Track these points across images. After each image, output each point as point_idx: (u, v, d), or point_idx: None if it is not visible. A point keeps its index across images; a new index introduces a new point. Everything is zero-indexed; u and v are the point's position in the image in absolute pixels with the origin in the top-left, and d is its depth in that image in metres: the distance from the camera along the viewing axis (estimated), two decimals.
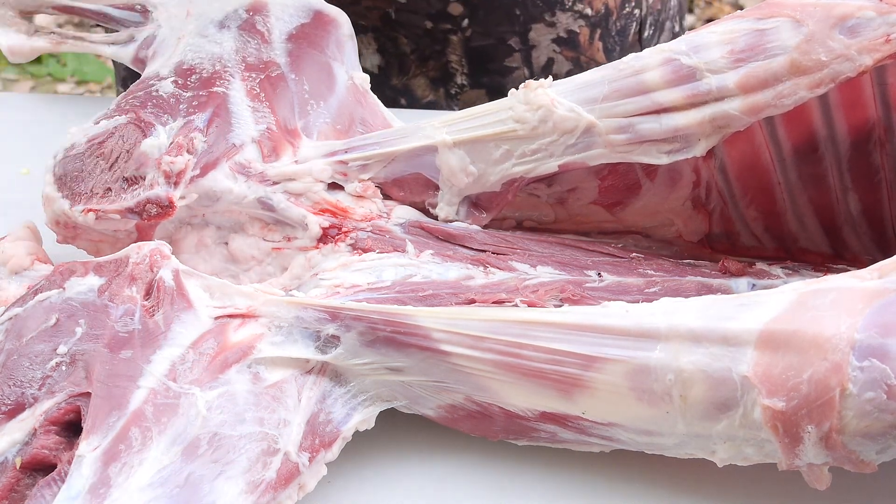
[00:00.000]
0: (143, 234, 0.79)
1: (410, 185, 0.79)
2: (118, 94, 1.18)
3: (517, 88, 0.77)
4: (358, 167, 0.79)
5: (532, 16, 0.96)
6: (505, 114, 0.77)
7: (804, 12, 0.71)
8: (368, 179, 0.79)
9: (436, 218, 0.80)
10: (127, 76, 1.16)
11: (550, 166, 0.76)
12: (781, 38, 0.71)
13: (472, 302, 0.71)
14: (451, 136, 0.77)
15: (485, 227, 0.80)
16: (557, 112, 0.75)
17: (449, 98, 1.06)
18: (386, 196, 0.80)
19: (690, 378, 0.62)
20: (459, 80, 1.03)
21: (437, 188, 0.79)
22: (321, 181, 0.79)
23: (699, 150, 0.72)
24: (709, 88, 0.71)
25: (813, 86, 0.70)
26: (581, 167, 0.76)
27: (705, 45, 0.72)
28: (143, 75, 0.84)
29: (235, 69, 0.81)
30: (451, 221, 0.79)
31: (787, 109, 0.71)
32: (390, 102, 1.03)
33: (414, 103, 1.06)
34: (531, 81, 0.77)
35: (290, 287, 0.77)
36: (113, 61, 1.05)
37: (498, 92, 1.05)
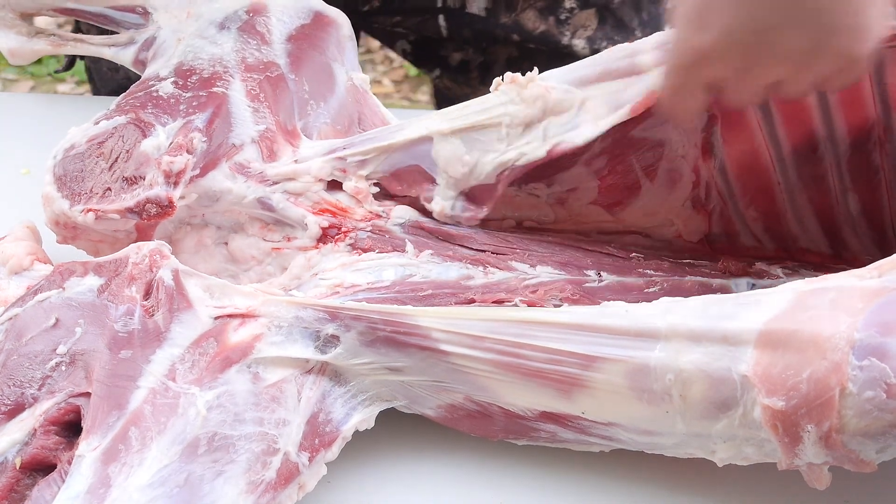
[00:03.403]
0: (142, 234, 0.79)
1: (408, 178, 0.79)
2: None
3: (502, 78, 0.77)
4: (356, 163, 0.79)
5: None
6: (500, 109, 0.77)
7: None
8: (368, 175, 0.79)
9: (432, 215, 0.80)
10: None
11: (540, 152, 0.76)
12: None
13: (471, 302, 0.71)
14: (447, 124, 0.78)
15: (484, 227, 0.80)
16: (552, 97, 0.75)
17: (560, 24, 1.06)
18: (385, 195, 0.80)
19: (690, 377, 0.62)
20: (568, 3, 1.03)
21: (433, 181, 0.79)
22: (321, 179, 0.79)
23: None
24: None
25: None
26: (569, 150, 0.76)
27: None
28: (144, 76, 0.84)
29: (235, 70, 0.81)
30: (446, 222, 0.80)
31: None
32: (502, 41, 1.04)
33: (526, 37, 1.06)
34: (518, 76, 0.77)
35: (289, 287, 0.77)
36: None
37: (607, 8, 1.06)
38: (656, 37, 0.74)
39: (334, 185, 0.80)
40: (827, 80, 0.67)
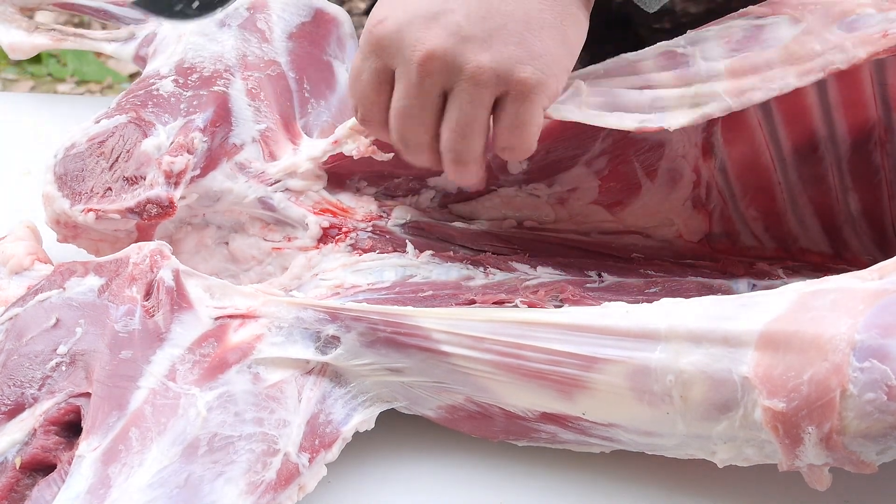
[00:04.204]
0: (143, 234, 0.79)
1: None
2: None
3: None
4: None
5: None
6: None
7: (804, 10, 0.71)
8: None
9: (432, 215, 0.80)
10: None
11: None
12: (778, 32, 0.71)
13: (472, 302, 0.71)
14: None
15: (485, 227, 0.80)
16: None
17: None
18: (386, 194, 0.80)
19: (691, 379, 0.61)
20: None
21: None
22: (319, 163, 0.78)
23: (671, 121, 0.71)
24: (698, 70, 0.71)
25: (802, 73, 0.70)
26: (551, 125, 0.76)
27: (703, 38, 0.73)
28: (144, 73, 0.84)
29: (236, 68, 0.81)
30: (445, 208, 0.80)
31: (772, 94, 0.70)
32: None
33: None
34: None
35: (290, 287, 0.76)
36: None
37: None
38: (659, 46, 0.74)
39: (335, 185, 0.80)
40: (502, 105, 0.67)
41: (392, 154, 0.77)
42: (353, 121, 0.77)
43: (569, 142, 0.78)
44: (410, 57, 0.66)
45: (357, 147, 0.77)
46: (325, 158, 0.78)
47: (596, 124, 0.72)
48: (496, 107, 0.67)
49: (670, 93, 0.71)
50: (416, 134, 0.69)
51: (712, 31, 0.73)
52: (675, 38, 0.73)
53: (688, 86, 0.71)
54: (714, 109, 0.71)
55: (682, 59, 0.72)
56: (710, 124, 0.78)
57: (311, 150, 0.79)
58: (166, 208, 0.76)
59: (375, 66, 0.68)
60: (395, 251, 0.77)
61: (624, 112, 0.71)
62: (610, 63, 0.74)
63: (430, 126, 0.68)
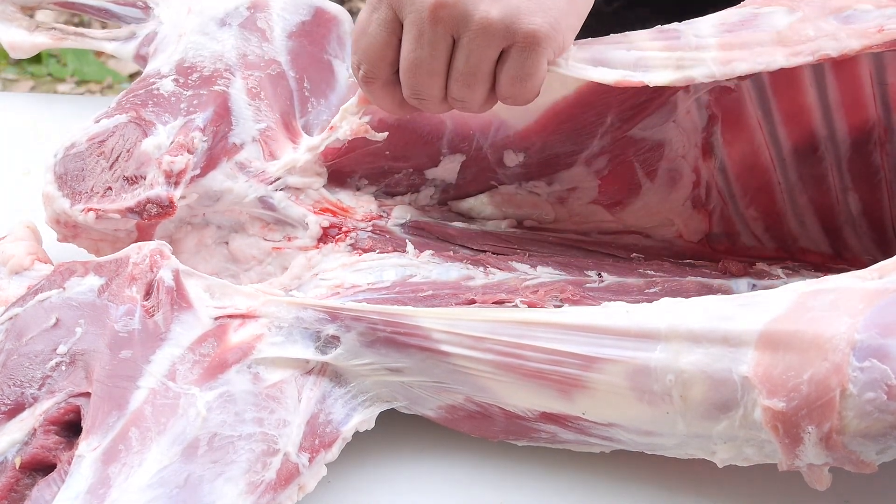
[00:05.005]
0: (143, 234, 0.79)
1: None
2: None
3: None
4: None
5: None
6: None
7: (801, 1, 0.71)
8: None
9: (432, 214, 0.80)
10: None
11: None
12: (774, 20, 0.71)
13: (472, 302, 0.71)
14: None
15: (485, 227, 0.80)
16: None
17: None
18: (386, 193, 0.80)
19: (691, 378, 0.62)
20: None
21: None
22: (318, 154, 0.78)
23: (653, 77, 0.71)
24: (688, 41, 0.71)
25: (791, 55, 0.70)
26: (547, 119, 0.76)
27: (700, 20, 0.73)
28: (144, 73, 0.84)
29: (236, 67, 0.81)
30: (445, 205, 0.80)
31: (758, 68, 0.70)
32: None
33: None
34: None
35: (290, 287, 0.76)
36: None
37: None
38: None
39: (335, 184, 0.80)
40: (508, 55, 0.67)
41: (386, 133, 0.77)
42: (346, 104, 0.77)
43: (566, 137, 0.78)
44: (421, 4, 0.66)
45: (350, 127, 0.77)
46: (322, 148, 0.78)
47: (580, 77, 0.71)
48: (501, 56, 0.68)
49: (656, 54, 0.71)
50: (427, 85, 0.69)
51: (710, 17, 0.73)
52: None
53: (676, 51, 0.71)
54: (698, 74, 0.70)
55: (673, 34, 0.72)
56: (709, 124, 0.78)
57: (309, 142, 0.79)
58: (166, 208, 0.76)
59: (385, 17, 0.68)
60: (395, 251, 0.77)
61: (607, 68, 0.71)
62: (603, 36, 0.74)
63: (440, 75, 0.69)
